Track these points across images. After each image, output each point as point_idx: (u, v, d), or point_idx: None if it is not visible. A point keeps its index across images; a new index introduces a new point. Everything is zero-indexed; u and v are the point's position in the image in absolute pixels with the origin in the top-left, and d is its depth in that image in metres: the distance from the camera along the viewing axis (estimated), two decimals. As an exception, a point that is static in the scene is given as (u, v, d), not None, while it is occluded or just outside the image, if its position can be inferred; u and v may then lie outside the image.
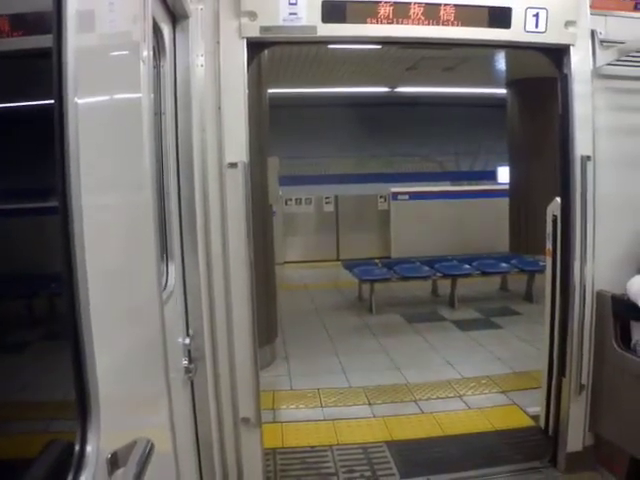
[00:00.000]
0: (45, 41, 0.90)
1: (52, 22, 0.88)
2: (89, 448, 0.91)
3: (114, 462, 0.98)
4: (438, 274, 7.69)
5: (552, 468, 3.32)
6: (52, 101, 0.88)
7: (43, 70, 0.93)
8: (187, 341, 2.35)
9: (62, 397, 1.04)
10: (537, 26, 2.95)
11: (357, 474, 3.38)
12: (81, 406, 0.92)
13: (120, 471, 0.98)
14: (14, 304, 1.18)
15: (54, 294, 1.11)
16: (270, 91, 5.89)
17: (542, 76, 8.45)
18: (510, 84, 11.00)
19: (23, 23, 1.04)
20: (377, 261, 8.94)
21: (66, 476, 0.88)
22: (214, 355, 2.84)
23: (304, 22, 2.78)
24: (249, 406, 2.92)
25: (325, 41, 3.50)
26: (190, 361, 2.32)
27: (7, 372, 1.03)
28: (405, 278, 7.65)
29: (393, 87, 11.71)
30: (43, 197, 1.13)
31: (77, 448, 0.91)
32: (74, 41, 0.90)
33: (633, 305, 2.86)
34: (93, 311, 0.93)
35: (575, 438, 3.25)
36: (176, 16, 2.47)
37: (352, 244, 11.76)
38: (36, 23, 1.01)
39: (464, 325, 6.67)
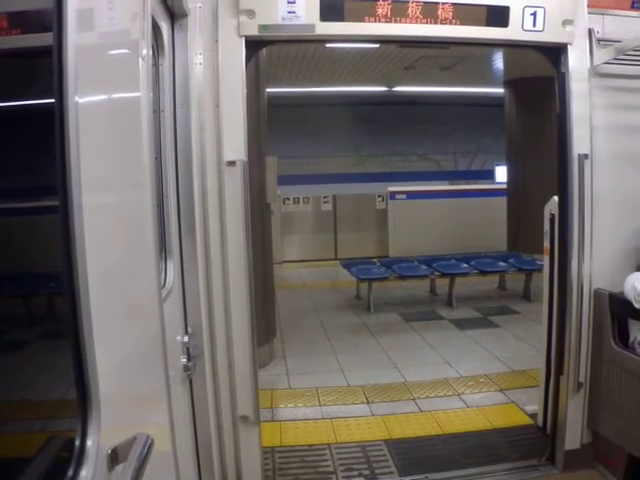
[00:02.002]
0: (45, 39, 0.90)
1: (52, 20, 0.89)
2: (89, 443, 0.92)
3: (114, 457, 0.99)
4: (436, 273, 7.70)
5: (550, 466, 3.33)
6: (52, 100, 0.89)
7: (43, 68, 0.93)
8: (186, 339, 2.36)
9: (63, 394, 1.04)
10: (535, 25, 2.97)
11: (355, 472, 3.38)
12: (82, 402, 0.93)
13: (120, 466, 0.98)
14: (15, 302, 1.18)
15: (54, 292, 1.12)
16: (268, 90, 5.89)
17: (539, 75, 8.51)
18: (508, 83, 11.01)
19: (23, 21, 1.04)
20: (375, 260, 8.95)
21: (67, 471, 0.88)
22: (213, 353, 2.85)
23: (302, 20, 2.79)
24: (247, 404, 2.93)
25: (323, 40, 3.51)
26: (189, 359, 2.32)
27: (8, 370, 1.03)
28: (403, 277, 7.66)
29: (391, 86, 11.70)
30: (43, 195, 1.13)
31: (78, 443, 0.91)
32: (74, 39, 0.90)
33: (630, 303, 2.87)
34: (93, 308, 0.94)
35: (573, 436, 3.26)
36: (175, 14, 2.48)
37: (350, 243, 11.77)
38: (36, 21, 1.01)
39: (462, 324, 6.68)
